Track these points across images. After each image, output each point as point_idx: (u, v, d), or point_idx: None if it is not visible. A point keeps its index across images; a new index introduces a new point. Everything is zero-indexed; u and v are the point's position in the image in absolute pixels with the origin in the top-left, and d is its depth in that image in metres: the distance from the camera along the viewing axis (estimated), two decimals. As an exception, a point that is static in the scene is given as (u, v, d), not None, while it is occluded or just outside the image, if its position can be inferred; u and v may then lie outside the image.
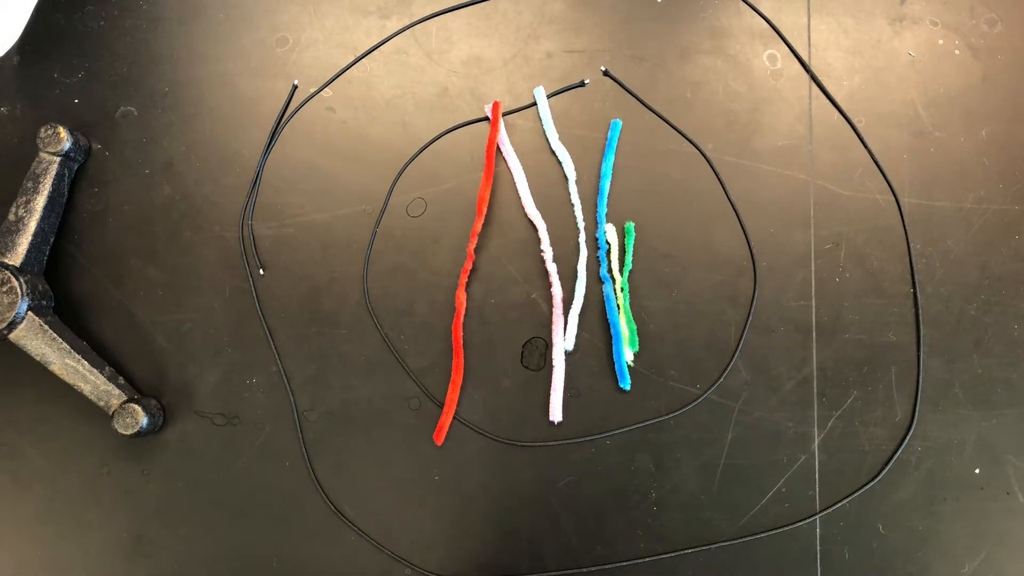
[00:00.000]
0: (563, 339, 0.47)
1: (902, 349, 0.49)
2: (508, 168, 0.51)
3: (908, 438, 0.47)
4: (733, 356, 0.48)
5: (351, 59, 0.52)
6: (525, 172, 0.50)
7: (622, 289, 0.48)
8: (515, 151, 0.51)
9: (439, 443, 0.47)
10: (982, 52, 0.53)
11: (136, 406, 0.45)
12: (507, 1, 0.53)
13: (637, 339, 0.47)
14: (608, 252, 0.49)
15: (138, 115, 0.52)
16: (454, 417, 0.47)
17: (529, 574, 0.46)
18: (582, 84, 0.52)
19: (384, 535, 0.46)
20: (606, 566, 0.46)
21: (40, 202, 0.48)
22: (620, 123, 0.51)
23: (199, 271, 0.50)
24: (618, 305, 0.48)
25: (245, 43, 0.53)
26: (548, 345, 0.48)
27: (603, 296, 0.48)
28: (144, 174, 0.51)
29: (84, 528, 0.47)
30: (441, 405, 0.47)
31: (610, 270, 0.49)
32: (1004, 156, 0.51)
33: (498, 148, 0.51)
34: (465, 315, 0.48)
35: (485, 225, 0.50)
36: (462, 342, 0.48)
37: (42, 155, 0.48)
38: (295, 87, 0.52)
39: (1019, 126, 0.52)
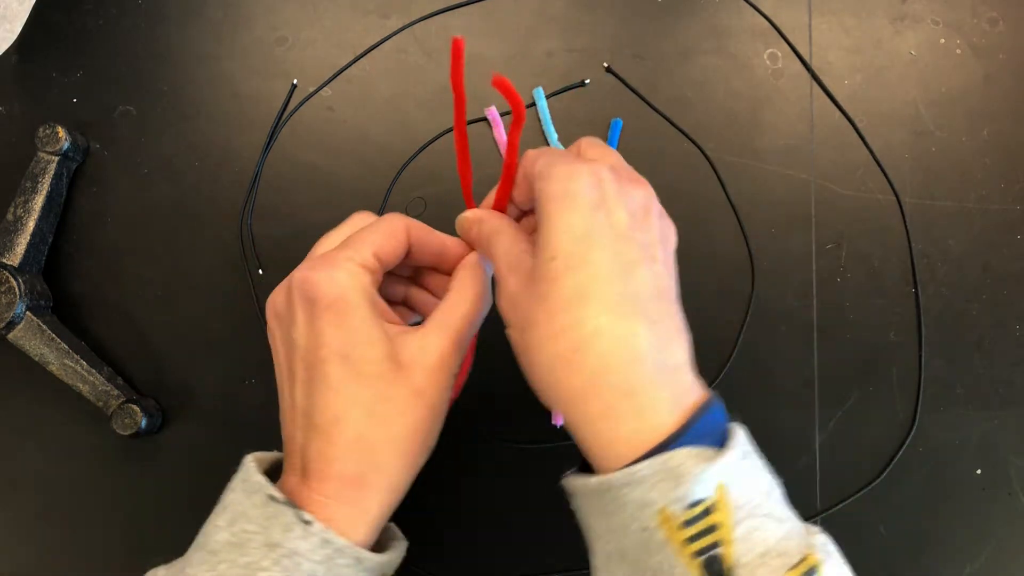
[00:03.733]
0: None
1: (903, 349, 0.48)
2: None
3: (909, 439, 0.47)
4: (731, 355, 0.48)
5: (350, 58, 0.52)
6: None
7: (622, 289, 0.48)
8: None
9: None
10: (984, 51, 0.53)
11: (135, 406, 0.45)
12: (507, 1, 0.53)
13: (637, 339, 0.47)
14: (608, 252, 0.49)
15: (137, 115, 0.52)
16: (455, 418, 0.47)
17: (529, 574, 0.46)
18: (582, 84, 0.52)
19: (384, 536, 0.46)
20: (606, 567, 0.46)
21: (38, 202, 0.47)
22: (621, 122, 0.51)
23: (198, 271, 0.50)
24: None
25: (244, 42, 0.53)
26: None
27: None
28: (143, 174, 0.51)
29: (83, 528, 0.47)
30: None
31: (610, 270, 0.49)
32: (1006, 156, 0.51)
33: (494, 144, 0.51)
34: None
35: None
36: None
37: (40, 154, 0.48)
38: (294, 86, 0.52)
39: (1021, 126, 0.52)
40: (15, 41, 0.53)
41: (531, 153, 0.34)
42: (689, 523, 0.27)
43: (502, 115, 0.51)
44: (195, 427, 0.48)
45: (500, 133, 0.51)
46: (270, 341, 0.34)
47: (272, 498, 0.30)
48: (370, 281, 0.32)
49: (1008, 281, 0.50)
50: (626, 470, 0.28)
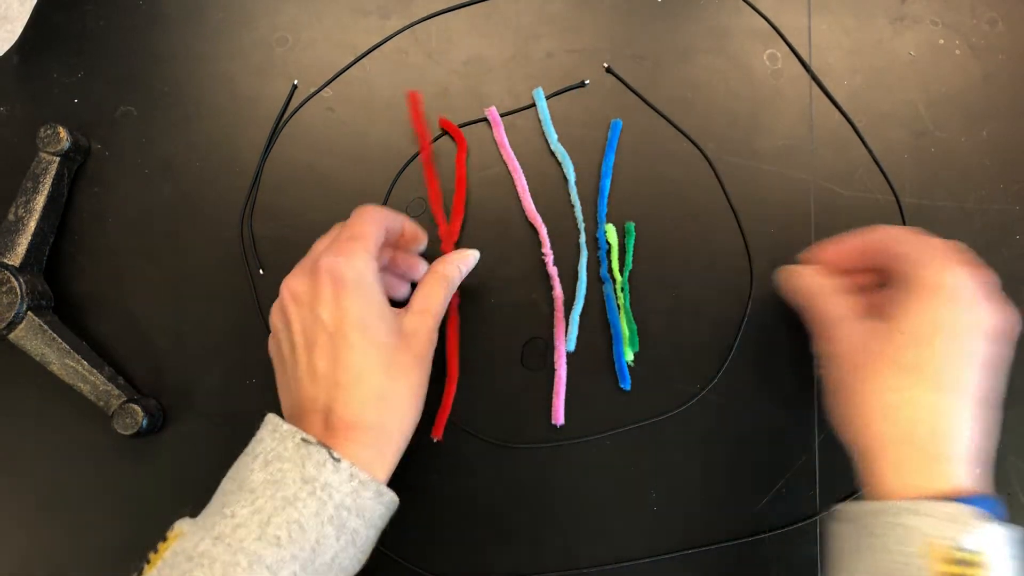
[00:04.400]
0: (565, 342, 0.47)
1: (903, 349, 0.48)
2: (508, 169, 0.50)
3: (909, 438, 0.47)
4: (730, 355, 0.48)
5: (351, 59, 0.52)
6: (525, 173, 0.50)
7: (622, 289, 0.48)
8: (515, 152, 0.51)
9: (437, 437, 0.46)
10: (983, 52, 0.53)
11: (136, 406, 0.45)
12: (507, 1, 0.53)
13: (637, 339, 0.47)
14: (608, 252, 0.49)
15: (138, 115, 0.52)
16: (453, 420, 0.47)
17: (529, 574, 0.46)
18: (582, 84, 0.52)
19: (383, 535, 0.46)
20: (606, 566, 0.46)
21: (40, 202, 0.48)
22: (620, 123, 0.51)
23: (199, 271, 0.50)
24: (618, 305, 0.48)
25: (245, 43, 0.53)
26: (548, 345, 0.48)
27: (603, 296, 0.48)
28: (144, 174, 0.51)
29: (84, 528, 0.47)
30: (438, 402, 0.47)
31: (610, 270, 0.49)
32: (1005, 156, 0.51)
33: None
34: (465, 315, 0.48)
35: (485, 225, 0.50)
36: (457, 338, 0.48)
37: (41, 155, 0.48)
38: (295, 87, 0.52)
39: (1020, 126, 0.52)
40: (16, 42, 0.53)
41: (894, 232, 0.41)
42: (952, 562, 0.31)
43: (502, 115, 0.51)
44: (195, 427, 0.48)
45: (500, 133, 0.51)
46: (277, 320, 0.40)
47: (305, 440, 0.35)
48: (376, 267, 0.39)
49: (1008, 281, 0.49)
50: (915, 500, 0.33)
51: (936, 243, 0.39)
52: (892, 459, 0.35)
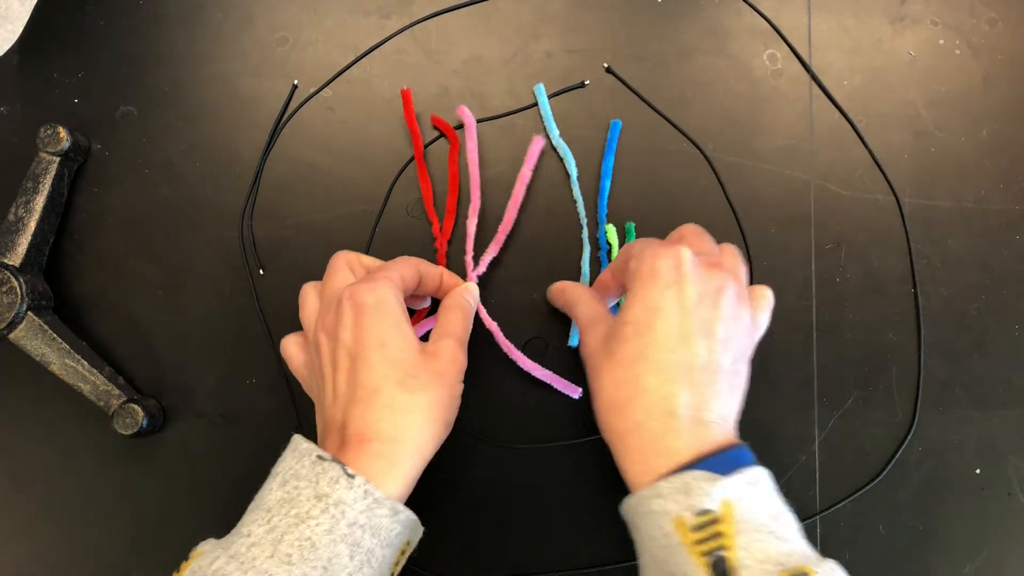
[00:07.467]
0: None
1: (903, 349, 0.49)
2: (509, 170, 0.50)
3: (909, 438, 0.47)
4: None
5: (351, 59, 0.52)
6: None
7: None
8: (516, 152, 0.51)
9: None
10: (983, 52, 0.53)
11: (136, 406, 0.45)
12: (507, 1, 0.53)
13: (637, 339, 0.47)
14: (609, 253, 0.49)
15: (138, 115, 0.52)
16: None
17: (529, 574, 0.46)
18: (582, 85, 0.52)
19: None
20: (606, 566, 0.46)
21: (40, 202, 0.48)
22: (620, 123, 0.51)
23: (199, 271, 0.50)
24: (618, 305, 0.48)
25: (245, 43, 0.53)
26: (548, 345, 0.48)
27: (603, 296, 0.48)
28: (144, 174, 0.51)
29: (84, 528, 0.47)
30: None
31: (610, 270, 0.49)
32: (1005, 156, 0.51)
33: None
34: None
35: (482, 225, 0.50)
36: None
37: (42, 155, 0.48)
38: (295, 87, 0.52)
39: (1020, 126, 0.52)
40: (16, 41, 0.53)
41: (632, 242, 0.42)
42: (697, 528, 0.32)
43: (503, 115, 0.51)
44: (195, 427, 0.48)
45: (472, 140, 0.51)
46: (311, 352, 0.40)
47: (321, 457, 0.35)
48: (399, 295, 0.39)
49: (1008, 281, 0.50)
50: (651, 485, 0.34)
51: (657, 241, 0.40)
52: (630, 450, 0.36)
